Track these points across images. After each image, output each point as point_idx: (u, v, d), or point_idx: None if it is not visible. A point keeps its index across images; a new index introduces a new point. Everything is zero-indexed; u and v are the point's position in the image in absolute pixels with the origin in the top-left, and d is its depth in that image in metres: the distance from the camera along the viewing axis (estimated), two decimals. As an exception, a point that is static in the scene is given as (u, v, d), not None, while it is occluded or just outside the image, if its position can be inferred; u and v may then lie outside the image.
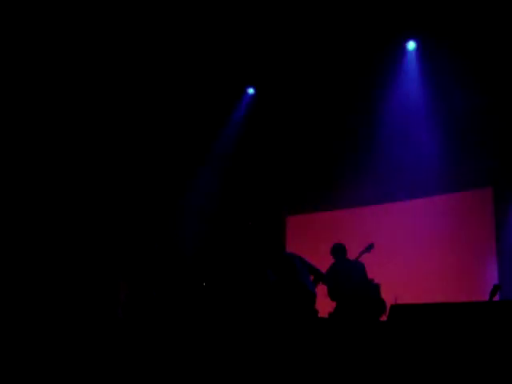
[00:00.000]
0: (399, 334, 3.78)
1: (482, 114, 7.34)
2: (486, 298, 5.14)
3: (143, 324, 5.74)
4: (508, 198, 7.77)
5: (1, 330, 5.59)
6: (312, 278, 6.24)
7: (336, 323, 5.67)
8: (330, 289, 6.21)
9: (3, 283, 6.61)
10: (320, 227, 9.49)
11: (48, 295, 6.83)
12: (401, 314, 3.90)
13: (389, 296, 5.95)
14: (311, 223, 9.79)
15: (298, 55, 7.60)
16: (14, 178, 7.18)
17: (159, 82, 7.94)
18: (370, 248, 6.39)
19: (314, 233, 9.45)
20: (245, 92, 8.63)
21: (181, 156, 8.79)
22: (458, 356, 3.47)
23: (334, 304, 6.23)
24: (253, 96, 8.61)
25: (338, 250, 6.50)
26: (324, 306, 6.23)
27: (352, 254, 6.51)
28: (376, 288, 6.26)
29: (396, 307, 4.06)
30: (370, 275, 6.37)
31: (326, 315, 6.10)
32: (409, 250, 8.44)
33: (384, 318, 5.79)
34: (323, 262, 6.52)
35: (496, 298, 5.34)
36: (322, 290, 6.32)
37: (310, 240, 9.29)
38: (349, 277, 6.20)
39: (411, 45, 7.42)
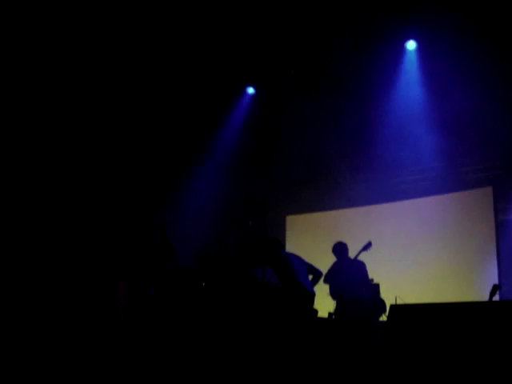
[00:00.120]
0: (399, 334, 3.77)
1: (482, 114, 7.34)
2: (486, 298, 5.14)
3: (143, 324, 5.73)
4: (508, 198, 7.78)
5: (0, 331, 5.59)
6: (311, 277, 6.25)
7: (336, 323, 5.66)
8: (332, 288, 6.21)
9: (2, 283, 6.61)
10: (319, 227, 9.51)
11: (48, 295, 6.83)
12: (401, 314, 3.89)
13: (389, 296, 5.96)
14: (310, 223, 9.80)
15: (298, 55, 7.61)
16: (13, 178, 7.18)
17: (159, 81, 7.94)
18: (368, 246, 6.39)
19: (313, 232, 9.47)
20: (244, 92, 8.62)
21: (181, 156, 8.79)
22: (457, 356, 3.47)
23: (333, 304, 6.23)
24: (253, 96, 8.60)
25: (340, 249, 6.50)
26: (324, 305, 6.23)
27: (351, 254, 6.52)
28: (376, 288, 6.27)
29: (396, 307, 4.05)
30: (370, 275, 6.38)
31: (325, 315, 6.10)
32: (409, 250, 8.45)
33: (384, 317, 5.80)
34: (322, 261, 6.53)
35: (496, 297, 5.35)
36: (322, 289, 6.32)
37: (309, 239, 9.31)
38: (350, 276, 6.21)
39: (411, 45, 7.41)
